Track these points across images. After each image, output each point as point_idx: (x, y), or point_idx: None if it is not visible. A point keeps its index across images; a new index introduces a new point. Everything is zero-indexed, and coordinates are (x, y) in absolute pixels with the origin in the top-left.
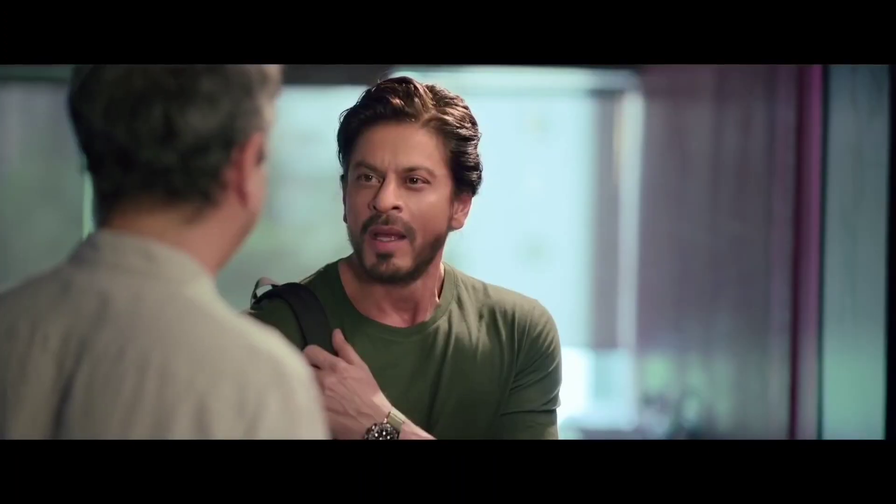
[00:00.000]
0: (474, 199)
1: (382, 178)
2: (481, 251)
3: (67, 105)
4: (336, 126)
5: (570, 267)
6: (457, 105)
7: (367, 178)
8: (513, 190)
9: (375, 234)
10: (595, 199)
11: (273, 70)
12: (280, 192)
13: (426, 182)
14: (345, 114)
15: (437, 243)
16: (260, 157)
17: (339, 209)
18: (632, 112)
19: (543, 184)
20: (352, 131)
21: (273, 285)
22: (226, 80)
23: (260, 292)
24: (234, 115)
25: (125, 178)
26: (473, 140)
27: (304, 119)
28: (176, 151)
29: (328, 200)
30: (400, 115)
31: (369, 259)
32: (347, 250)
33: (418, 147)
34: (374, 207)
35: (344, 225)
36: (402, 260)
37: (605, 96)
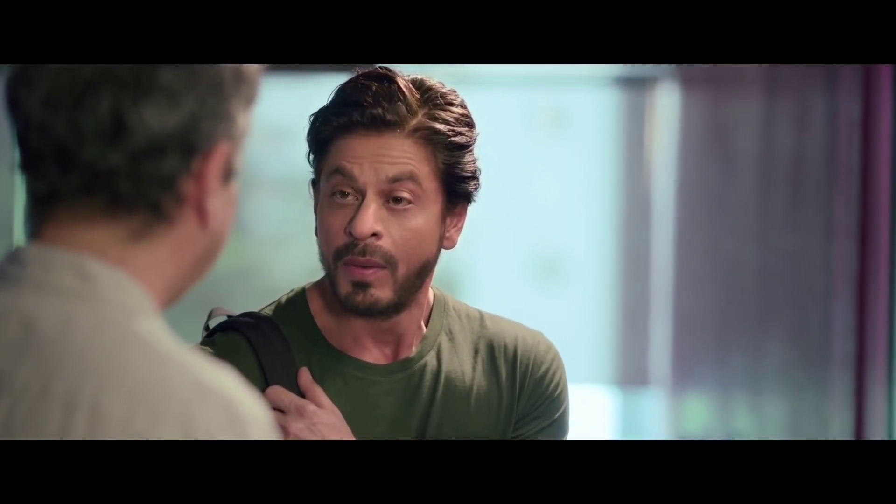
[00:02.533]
0: (475, 208)
1: (360, 196)
2: (484, 269)
3: (4, 91)
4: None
5: (592, 288)
6: (450, 105)
7: (343, 193)
8: (522, 196)
9: (351, 263)
10: (621, 206)
11: (251, 70)
12: (248, 198)
13: (411, 201)
14: (314, 117)
15: (424, 271)
16: (227, 172)
17: (314, 219)
18: (666, 103)
19: (559, 188)
20: (323, 139)
21: (228, 316)
22: (191, 75)
23: (213, 324)
24: (197, 117)
25: (62, 180)
26: (470, 146)
27: (275, 112)
28: (124, 152)
29: (304, 208)
30: (380, 124)
31: (343, 288)
32: None
33: (403, 160)
34: (350, 233)
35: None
36: (382, 291)
37: (634, 85)
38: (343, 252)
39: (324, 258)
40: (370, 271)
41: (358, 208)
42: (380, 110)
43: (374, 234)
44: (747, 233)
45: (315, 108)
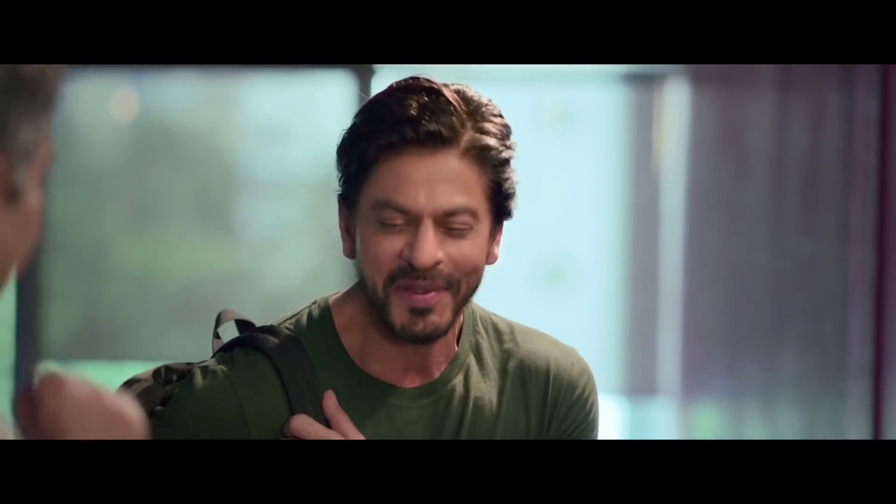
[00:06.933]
0: None
1: (415, 223)
2: (487, 275)
3: None
4: (318, 125)
5: (599, 294)
6: (493, 117)
7: (393, 221)
8: (527, 198)
9: (409, 288)
10: (629, 209)
11: (35, 74)
12: (237, 201)
13: (469, 226)
14: (355, 135)
15: (475, 292)
16: (9, 191)
17: (311, 223)
18: (675, 101)
19: (565, 190)
20: (368, 161)
21: (238, 320)
22: None
23: (223, 332)
24: None
25: None
26: (511, 160)
27: (265, 110)
28: None
29: (298, 211)
30: (436, 141)
31: (399, 317)
32: (321, 273)
33: (459, 183)
34: (409, 263)
35: (320, 245)
36: (442, 316)
37: (642, 82)
38: (398, 275)
39: (371, 284)
40: (431, 295)
41: (416, 235)
42: (435, 125)
43: (437, 262)
44: (760, 237)
45: (309, 109)
